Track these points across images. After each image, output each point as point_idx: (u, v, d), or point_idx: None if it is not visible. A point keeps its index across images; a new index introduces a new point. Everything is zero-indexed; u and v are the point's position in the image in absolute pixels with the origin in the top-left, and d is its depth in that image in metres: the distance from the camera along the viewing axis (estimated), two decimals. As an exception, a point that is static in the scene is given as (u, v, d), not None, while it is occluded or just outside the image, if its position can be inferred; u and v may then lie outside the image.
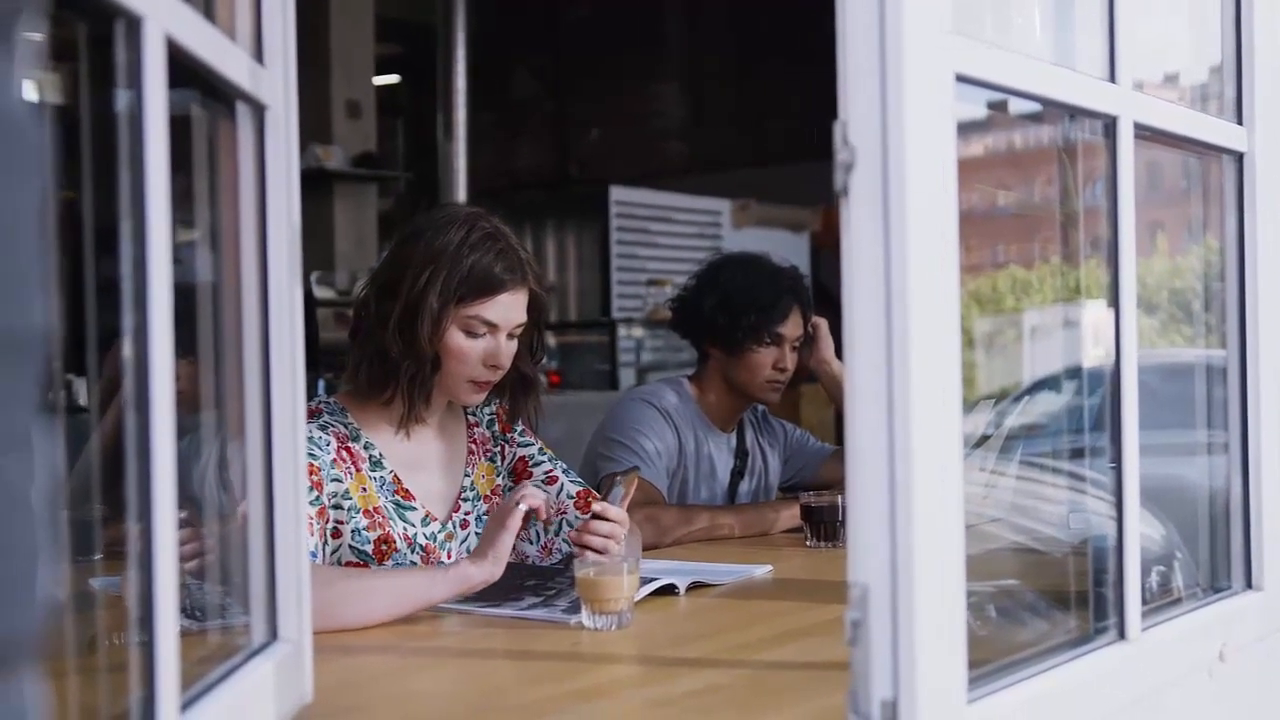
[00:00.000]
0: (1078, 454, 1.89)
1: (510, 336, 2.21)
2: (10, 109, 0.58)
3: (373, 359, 2.17)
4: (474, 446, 2.35)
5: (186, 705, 1.08)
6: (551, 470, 2.37)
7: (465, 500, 2.30)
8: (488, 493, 2.34)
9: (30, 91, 0.61)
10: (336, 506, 2.12)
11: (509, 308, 2.18)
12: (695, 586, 2.16)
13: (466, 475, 2.32)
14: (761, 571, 2.32)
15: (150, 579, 0.99)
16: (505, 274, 2.16)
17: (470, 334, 2.17)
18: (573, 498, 2.32)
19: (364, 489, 2.16)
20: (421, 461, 2.26)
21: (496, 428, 2.39)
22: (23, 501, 0.59)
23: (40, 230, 0.59)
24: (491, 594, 1.99)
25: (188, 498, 1.13)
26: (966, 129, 1.28)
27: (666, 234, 8.26)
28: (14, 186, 0.57)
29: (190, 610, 1.28)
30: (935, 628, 1.16)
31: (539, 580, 2.14)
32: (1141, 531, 1.54)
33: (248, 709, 1.24)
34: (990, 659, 1.32)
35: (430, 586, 1.93)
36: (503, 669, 1.69)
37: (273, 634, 1.36)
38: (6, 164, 0.57)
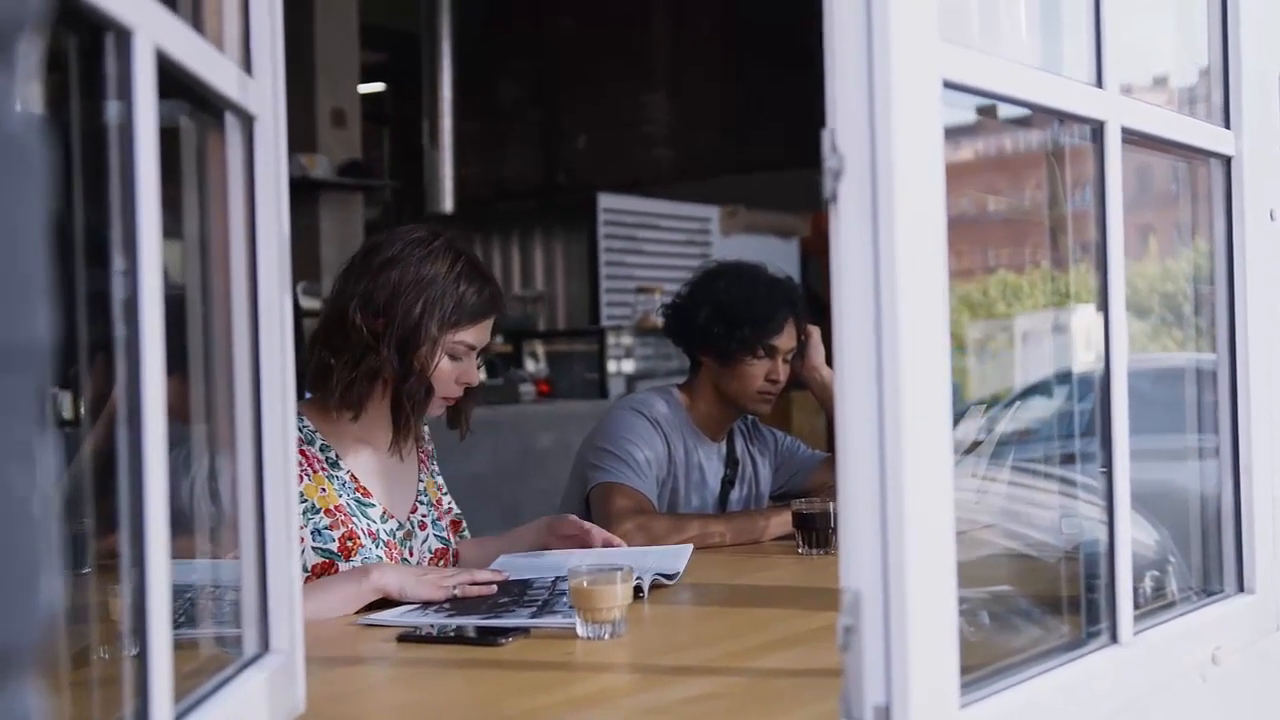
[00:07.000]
0: (1069, 459, 1.89)
1: (479, 355, 2.32)
2: (11, 125, 0.58)
3: (365, 379, 2.23)
4: (424, 457, 2.46)
5: (179, 717, 1.08)
6: (452, 508, 2.50)
7: (421, 504, 2.40)
8: (435, 500, 2.44)
9: (30, 104, 0.61)
10: None
11: (488, 331, 2.32)
12: (657, 585, 2.18)
13: (420, 481, 2.42)
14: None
15: (143, 592, 0.99)
16: (492, 302, 2.30)
17: (453, 357, 2.27)
18: (431, 553, 2.39)
19: (323, 489, 2.22)
20: (378, 467, 2.34)
21: (432, 447, 2.50)
22: (25, 511, 0.59)
23: (43, 242, 0.60)
24: (487, 609, 1.99)
25: (178, 511, 1.12)
26: (956, 133, 1.28)
27: (655, 241, 8.26)
28: (18, 199, 0.58)
29: (178, 621, 1.27)
30: (927, 633, 1.16)
31: (529, 592, 2.13)
32: (1134, 536, 1.54)
33: (240, 721, 1.23)
34: (983, 664, 1.32)
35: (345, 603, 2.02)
36: (496, 679, 1.68)
37: (265, 645, 1.35)
38: (10, 178, 0.57)
